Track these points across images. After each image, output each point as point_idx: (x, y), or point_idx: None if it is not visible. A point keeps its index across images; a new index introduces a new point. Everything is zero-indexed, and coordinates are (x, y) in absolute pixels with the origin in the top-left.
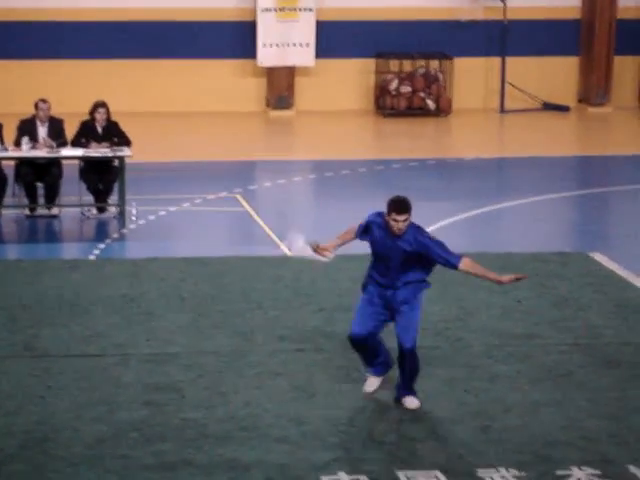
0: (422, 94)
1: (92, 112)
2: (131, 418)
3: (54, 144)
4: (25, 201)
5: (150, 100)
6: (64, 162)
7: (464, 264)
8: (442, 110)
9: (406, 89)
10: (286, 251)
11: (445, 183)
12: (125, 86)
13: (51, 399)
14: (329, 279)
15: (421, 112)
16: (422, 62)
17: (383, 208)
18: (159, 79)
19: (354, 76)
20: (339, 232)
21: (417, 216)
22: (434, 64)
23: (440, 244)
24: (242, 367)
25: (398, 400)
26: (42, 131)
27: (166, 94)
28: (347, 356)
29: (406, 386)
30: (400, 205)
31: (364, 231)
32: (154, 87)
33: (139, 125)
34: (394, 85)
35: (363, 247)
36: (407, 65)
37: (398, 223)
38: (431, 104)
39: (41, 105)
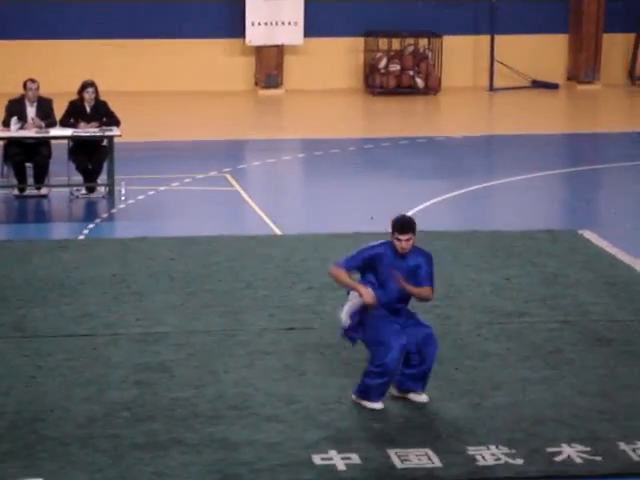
0: (411, 72)
1: (80, 92)
2: (121, 398)
3: (42, 124)
4: (14, 181)
5: (139, 80)
6: (53, 142)
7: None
8: (431, 88)
9: (395, 67)
10: (276, 230)
11: (435, 161)
12: (114, 66)
13: (41, 379)
14: (319, 258)
15: (410, 90)
16: (411, 40)
17: (372, 185)
18: (148, 59)
19: (343, 55)
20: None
21: (407, 195)
22: (423, 42)
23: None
24: (232, 346)
25: (406, 391)
26: (31, 111)
27: (155, 74)
28: (337, 335)
29: (425, 381)
30: (402, 224)
31: (357, 266)
32: (143, 67)
33: (128, 105)
34: (383, 63)
35: (351, 226)
36: (396, 43)
37: (401, 242)
38: (420, 82)
39: (30, 85)
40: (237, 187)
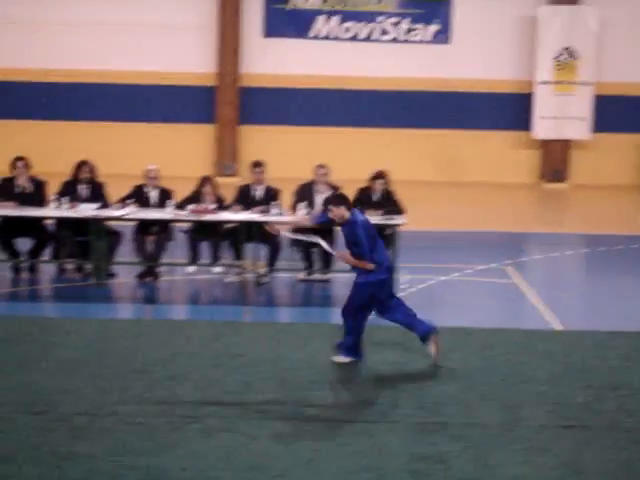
0: None
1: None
2: None
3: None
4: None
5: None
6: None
7: None
8: None
9: None
10: (557, 326)
11: None
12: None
13: None
14: (599, 356)
15: None
16: None
17: None
18: (436, 149)
19: (630, 151)
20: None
21: None
22: None
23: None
24: (509, 441)
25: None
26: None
27: (443, 164)
28: (614, 435)
29: None
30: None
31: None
32: (428, 156)
33: (414, 195)
34: None
35: (634, 324)
36: None
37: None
38: None
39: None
40: (517, 280)
